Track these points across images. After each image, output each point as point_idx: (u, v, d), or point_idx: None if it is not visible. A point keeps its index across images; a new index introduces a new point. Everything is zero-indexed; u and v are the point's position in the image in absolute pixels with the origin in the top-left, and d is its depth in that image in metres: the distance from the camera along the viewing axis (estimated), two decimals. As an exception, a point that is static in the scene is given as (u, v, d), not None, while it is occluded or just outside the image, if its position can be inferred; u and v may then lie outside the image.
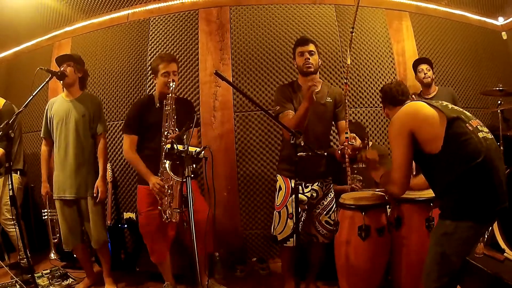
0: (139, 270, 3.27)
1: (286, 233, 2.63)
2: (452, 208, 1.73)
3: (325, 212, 2.71)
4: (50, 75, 2.70)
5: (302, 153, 2.04)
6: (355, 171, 2.99)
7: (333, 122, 2.81)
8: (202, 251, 2.64)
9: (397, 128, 1.87)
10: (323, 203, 2.72)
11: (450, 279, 1.72)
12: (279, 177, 2.77)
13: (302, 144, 1.97)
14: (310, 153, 2.10)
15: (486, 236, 2.88)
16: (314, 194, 2.68)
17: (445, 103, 1.89)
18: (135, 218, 3.50)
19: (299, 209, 2.47)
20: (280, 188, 2.72)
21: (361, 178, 2.93)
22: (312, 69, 2.62)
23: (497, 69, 4.46)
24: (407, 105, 1.96)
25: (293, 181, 2.60)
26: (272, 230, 2.75)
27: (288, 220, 2.62)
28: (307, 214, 2.71)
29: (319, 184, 2.70)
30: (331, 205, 2.74)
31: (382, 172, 2.25)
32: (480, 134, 1.74)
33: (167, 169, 2.09)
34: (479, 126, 1.80)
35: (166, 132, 2.53)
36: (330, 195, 2.77)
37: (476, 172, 1.67)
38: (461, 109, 1.89)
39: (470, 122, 1.78)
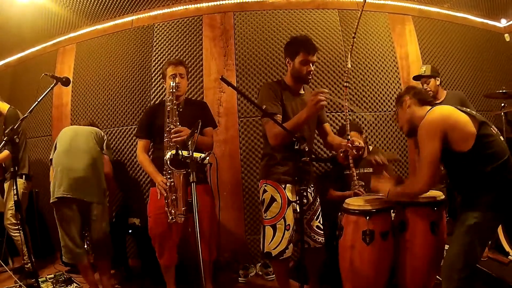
0: (142, 275, 3.27)
1: (282, 246, 2.47)
2: (482, 200, 1.89)
3: (315, 217, 2.63)
4: (55, 81, 2.72)
5: (306, 158, 2.02)
6: (356, 176, 2.93)
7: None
8: (206, 255, 2.64)
9: (433, 128, 1.96)
10: (313, 208, 2.63)
11: (471, 271, 1.86)
12: (269, 187, 2.52)
13: (307, 150, 1.97)
14: (313, 157, 2.08)
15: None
16: (305, 201, 2.52)
17: (468, 110, 2.04)
18: (139, 224, 3.51)
19: (295, 218, 2.45)
20: (273, 199, 2.49)
21: (363, 183, 2.90)
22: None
23: (500, 71, 4.45)
24: (439, 108, 2.06)
25: (288, 189, 2.50)
26: (262, 247, 2.53)
27: (286, 232, 2.48)
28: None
29: (309, 190, 2.63)
30: (319, 209, 2.68)
31: (385, 179, 2.34)
32: (501, 137, 1.98)
33: (167, 162, 2.07)
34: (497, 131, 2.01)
35: (168, 128, 2.53)
36: (318, 199, 2.71)
37: (502, 169, 1.88)
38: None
39: (492, 126, 1.99)
